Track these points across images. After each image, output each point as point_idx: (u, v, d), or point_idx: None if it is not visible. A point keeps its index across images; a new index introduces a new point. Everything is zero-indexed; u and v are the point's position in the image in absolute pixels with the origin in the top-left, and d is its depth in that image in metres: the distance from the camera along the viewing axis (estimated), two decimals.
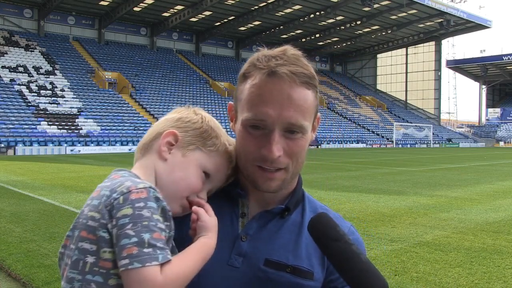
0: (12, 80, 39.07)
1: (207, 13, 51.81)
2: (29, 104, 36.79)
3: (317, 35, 61.81)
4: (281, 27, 57.14)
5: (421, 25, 61.28)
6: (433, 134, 64.47)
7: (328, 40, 65.65)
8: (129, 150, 34.40)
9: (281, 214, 1.08)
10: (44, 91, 39.11)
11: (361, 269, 0.84)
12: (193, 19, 53.43)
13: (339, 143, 51.77)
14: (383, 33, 62.25)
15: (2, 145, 30.35)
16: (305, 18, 53.62)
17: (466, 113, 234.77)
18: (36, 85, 39.58)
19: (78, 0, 46.44)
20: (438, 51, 72.44)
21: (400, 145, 57.51)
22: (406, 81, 76.29)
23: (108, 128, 37.63)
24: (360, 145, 53.07)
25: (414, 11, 55.03)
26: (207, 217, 0.99)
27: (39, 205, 9.44)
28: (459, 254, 5.94)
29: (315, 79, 1.00)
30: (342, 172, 17.97)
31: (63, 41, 49.61)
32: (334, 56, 77.00)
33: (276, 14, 52.60)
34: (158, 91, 48.16)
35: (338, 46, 68.49)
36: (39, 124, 34.63)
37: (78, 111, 38.48)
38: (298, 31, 59.99)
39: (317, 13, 51.96)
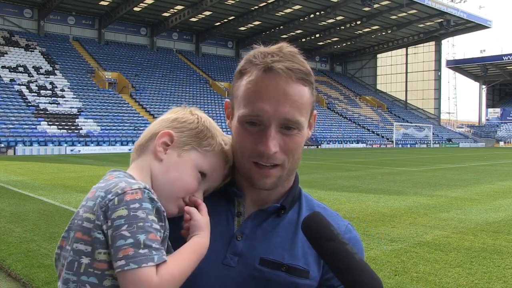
0: (12, 80, 39.07)
1: (207, 13, 51.82)
2: (29, 104, 36.79)
3: (317, 35, 61.82)
4: (281, 27, 57.15)
5: (421, 25, 61.29)
6: (433, 134, 64.48)
7: (328, 40, 65.65)
8: (129, 150, 34.36)
9: (277, 213, 1.08)
10: (44, 91, 39.11)
11: (355, 268, 0.84)
12: (193, 19, 53.44)
13: (339, 143, 51.77)
14: (383, 33, 62.26)
15: (2, 145, 30.35)
16: (305, 18, 53.63)
17: (466, 113, 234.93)
18: (36, 85, 39.58)
19: (78, 0, 46.45)
20: (438, 51, 72.44)
21: (400, 145, 57.51)
22: (406, 81, 76.29)
23: (108, 128, 37.64)
24: (360, 145, 53.06)
25: (414, 11, 55.03)
26: (200, 216, 0.99)
27: (39, 205, 9.44)
28: (459, 254, 5.94)
29: (311, 75, 1.00)
30: (342, 172, 17.97)
31: (63, 41, 49.61)
32: (334, 56, 77.00)
33: (276, 14, 52.60)
34: (158, 91, 48.17)
35: (338, 46, 68.50)
36: (39, 124, 34.63)
37: (78, 111, 38.49)
38: (298, 31, 60.00)
39: (317, 13, 51.97)
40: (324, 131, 52.88)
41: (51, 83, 40.89)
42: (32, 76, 40.90)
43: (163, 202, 0.95)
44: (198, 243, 0.96)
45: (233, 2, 48.25)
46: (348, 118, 60.94)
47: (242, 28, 58.76)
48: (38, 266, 5.21)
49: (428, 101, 74.74)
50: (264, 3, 49.02)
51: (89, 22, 52.60)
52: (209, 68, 59.28)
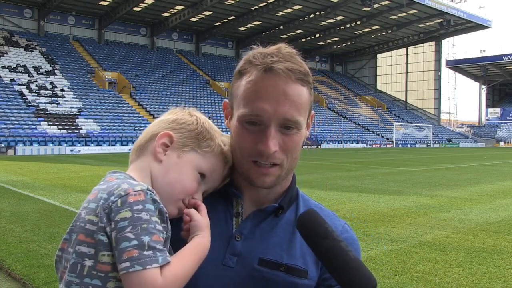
0: (12, 80, 39.07)
1: (207, 13, 51.82)
2: (29, 104, 36.79)
3: (317, 35, 61.82)
4: (281, 27, 57.15)
5: (421, 25, 61.29)
6: (433, 134, 64.48)
7: (328, 40, 65.66)
8: (129, 150, 33.25)
9: (275, 212, 1.08)
10: (44, 91, 39.12)
11: (349, 265, 0.84)
12: (193, 19, 53.44)
13: (339, 143, 51.77)
14: (383, 33, 62.27)
15: (2, 145, 30.35)
16: (305, 18, 53.63)
17: (466, 113, 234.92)
18: (36, 85, 39.59)
19: (78, 0, 46.45)
20: (438, 51, 72.45)
21: (400, 145, 57.52)
22: (406, 81, 76.30)
23: (108, 128, 37.64)
24: (360, 145, 53.07)
25: (414, 11, 55.04)
26: (200, 217, 1.00)
27: (39, 205, 9.44)
28: (459, 254, 5.94)
29: (309, 76, 1.01)
30: (342, 172, 17.97)
31: (63, 41, 49.62)
32: (334, 56, 77.01)
33: (276, 14, 52.61)
34: (158, 91, 48.17)
35: (338, 46, 68.50)
36: (39, 124, 34.63)
37: (78, 111, 38.49)
38: (298, 31, 60.00)
39: (317, 13, 51.97)
40: (324, 131, 52.88)
41: (51, 83, 40.89)
42: (32, 76, 40.91)
43: (163, 203, 0.95)
44: (200, 244, 0.96)
45: (233, 2, 48.25)
46: (348, 118, 60.94)
47: (242, 28, 58.76)
48: (38, 266, 5.21)
49: (428, 101, 74.74)
50: (264, 3, 49.02)
51: (89, 22, 52.61)
52: (209, 68, 59.29)
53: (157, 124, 1.09)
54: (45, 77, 41.57)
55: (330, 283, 1.04)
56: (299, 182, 1.16)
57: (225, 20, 55.00)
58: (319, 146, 48.55)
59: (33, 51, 44.95)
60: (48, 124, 35.06)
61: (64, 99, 39.33)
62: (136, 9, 49.14)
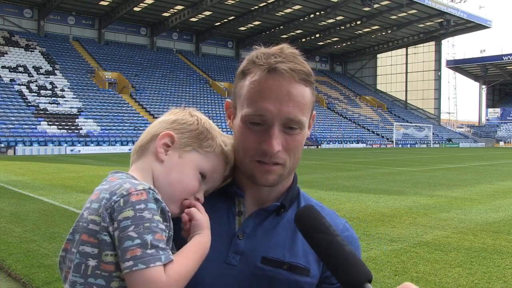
0: (12, 80, 39.08)
1: (207, 13, 51.82)
2: (29, 104, 36.80)
3: (317, 35, 61.82)
4: (281, 27, 57.15)
5: (421, 25, 61.30)
6: (433, 134, 64.48)
7: (328, 40, 65.66)
8: (129, 150, 34.29)
9: (277, 211, 1.09)
10: (44, 91, 39.12)
11: (345, 260, 0.85)
12: (193, 19, 53.44)
13: (339, 143, 51.77)
14: (383, 33, 62.27)
15: (2, 145, 30.35)
16: (305, 18, 53.63)
17: (466, 113, 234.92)
18: (36, 85, 39.59)
19: (78, 0, 46.45)
20: (438, 51, 72.45)
21: (400, 145, 57.51)
22: (406, 81, 76.30)
23: (108, 128, 37.64)
24: (360, 145, 53.07)
25: (414, 11, 55.04)
26: (201, 216, 1.01)
27: (39, 205, 9.44)
28: (459, 254, 5.94)
29: (312, 76, 1.02)
30: (342, 172, 17.97)
31: (63, 41, 49.62)
32: (334, 56, 77.01)
33: (276, 14, 52.61)
34: (158, 91, 48.17)
35: (338, 46, 68.50)
36: (39, 124, 34.63)
37: (78, 111, 38.49)
38: (298, 31, 60.00)
39: (317, 13, 51.97)
40: (324, 131, 52.88)
41: (51, 83, 40.90)
42: (32, 76, 40.91)
43: (165, 202, 0.95)
44: (201, 242, 0.97)
45: (233, 2, 48.25)
46: (348, 118, 60.94)
47: (242, 28, 58.76)
48: (38, 266, 5.21)
49: (428, 101, 74.75)
50: (264, 3, 49.02)
51: (89, 22, 52.61)
52: (209, 68, 59.29)
53: (158, 124, 1.09)
54: (45, 77, 41.57)
55: (331, 281, 1.05)
56: (299, 182, 1.17)
57: (225, 20, 55.00)
58: (319, 146, 48.55)
59: (33, 51, 44.95)
60: (48, 124, 35.07)
61: (64, 99, 39.33)
62: (136, 9, 49.14)
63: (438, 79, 73.26)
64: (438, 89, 73.78)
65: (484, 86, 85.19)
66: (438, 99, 74.40)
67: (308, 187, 12.15)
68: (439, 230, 7.42)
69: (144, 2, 46.83)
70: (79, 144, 33.91)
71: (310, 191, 11.36)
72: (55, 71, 43.31)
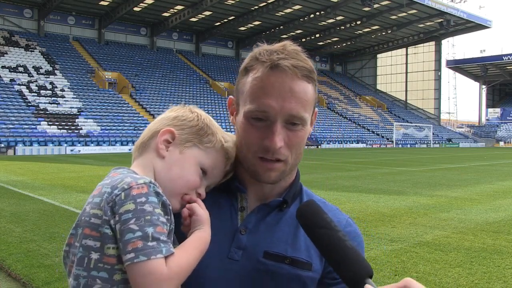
0: (12, 80, 39.07)
1: (207, 13, 51.82)
2: (29, 104, 36.79)
3: (317, 35, 61.82)
4: (281, 27, 57.16)
5: (421, 25, 61.29)
6: (433, 134, 64.48)
7: (328, 40, 65.66)
8: (129, 150, 34.39)
9: (279, 207, 1.10)
10: (44, 91, 39.12)
11: (346, 255, 0.86)
12: (193, 19, 53.44)
13: (339, 143, 51.77)
14: (383, 33, 62.27)
15: (2, 145, 30.35)
16: (305, 18, 53.64)
17: (466, 113, 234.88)
18: (36, 85, 39.59)
19: (78, 0, 46.45)
20: (438, 51, 72.45)
21: (400, 145, 57.51)
22: (406, 81, 76.30)
23: (108, 128, 37.64)
24: (360, 145, 53.07)
25: (414, 11, 55.04)
26: (202, 211, 1.02)
27: (39, 205, 9.44)
28: (459, 254, 5.94)
29: (314, 73, 1.02)
30: (342, 172, 17.97)
31: (63, 41, 49.62)
32: (334, 56, 77.01)
33: (276, 14, 52.61)
34: (158, 91, 48.17)
35: (338, 46, 68.50)
36: (39, 124, 34.63)
37: (78, 111, 38.49)
38: (298, 31, 60.00)
39: (317, 13, 51.97)
40: (324, 131, 52.88)
41: (51, 83, 40.89)
42: (32, 76, 40.90)
43: (166, 197, 0.97)
44: (201, 237, 0.98)
45: (233, 2, 48.25)
46: (348, 118, 60.94)
47: (242, 28, 58.76)
48: (38, 266, 5.21)
49: (428, 101, 74.74)
50: (264, 3, 49.02)
51: (89, 22, 52.61)
52: (209, 68, 59.29)
53: (159, 121, 1.11)
54: (45, 77, 41.57)
55: (334, 276, 1.06)
56: (299, 181, 1.17)
57: (225, 20, 55.00)
58: (319, 146, 48.55)
59: (33, 51, 44.95)
60: (48, 124, 35.06)
61: (64, 99, 39.33)
62: (136, 9, 49.14)
63: (438, 79, 73.26)
64: (438, 89, 73.77)
65: (484, 86, 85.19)
66: (438, 99, 74.40)
67: (308, 187, 11.96)
68: (439, 230, 7.42)
69: (144, 2, 46.82)
70: (79, 144, 33.91)
71: None
72: (55, 71, 43.31)
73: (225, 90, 53.42)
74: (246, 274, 1.02)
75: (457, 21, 59.29)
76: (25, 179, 14.41)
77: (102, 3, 47.81)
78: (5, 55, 42.21)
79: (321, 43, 67.49)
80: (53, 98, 38.65)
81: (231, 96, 1.12)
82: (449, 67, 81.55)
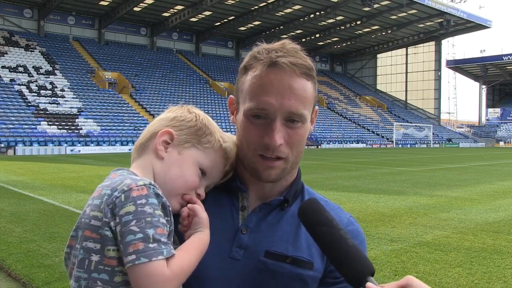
0: (12, 80, 39.07)
1: (207, 13, 51.82)
2: (29, 104, 36.79)
3: (317, 35, 61.82)
4: (281, 27, 57.16)
5: (421, 25, 61.28)
6: (433, 134, 64.47)
7: (328, 40, 65.65)
8: (129, 150, 34.32)
9: (280, 206, 1.10)
10: (44, 91, 39.11)
11: (347, 253, 0.86)
12: (193, 19, 53.44)
13: (339, 143, 51.77)
14: (383, 33, 62.26)
15: (2, 145, 30.35)
16: (305, 18, 53.63)
17: (466, 113, 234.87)
18: (36, 85, 39.58)
19: (78, 0, 46.44)
20: (438, 51, 72.43)
21: (400, 145, 57.51)
22: (406, 81, 76.29)
23: (108, 128, 37.64)
24: (360, 145, 53.06)
25: (414, 11, 55.03)
26: (204, 213, 1.02)
27: (39, 205, 9.44)
28: (459, 254, 5.94)
29: (313, 70, 1.03)
30: (342, 172, 17.97)
31: (63, 41, 49.61)
32: (334, 56, 77.00)
33: (276, 14, 52.60)
34: (158, 91, 48.17)
35: (338, 46, 68.49)
36: (39, 124, 34.63)
37: (78, 111, 38.49)
38: (298, 31, 59.99)
39: (317, 13, 51.97)
40: (324, 131, 52.87)
41: (51, 83, 40.89)
42: (32, 76, 40.90)
43: (166, 198, 0.97)
44: (201, 240, 0.99)
45: (233, 2, 48.25)
46: (348, 118, 60.94)
47: (242, 28, 58.76)
48: (38, 266, 5.21)
49: (428, 101, 74.73)
50: (264, 3, 49.01)
51: (89, 22, 52.60)
52: (209, 68, 59.28)
53: (157, 122, 1.11)
54: (45, 77, 41.56)
55: (335, 275, 1.06)
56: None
57: (225, 20, 54.99)
58: (319, 146, 48.54)
59: (33, 51, 44.94)
60: (48, 124, 35.06)
61: (64, 99, 39.33)
62: (136, 9, 49.13)
63: (438, 79, 73.25)
64: (438, 89, 73.76)
65: (484, 86, 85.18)
66: (438, 99, 74.39)
67: (308, 186, 12.12)
68: (439, 230, 7.42)
69: (144, 2, 46.82)
70: (79, 144, 33.90)
71: None
72: (55, 71, 43.30)
73: (225, 90, 53.41)
74: (247, 274, 1.02)
75: (457, 21, 59.29)
76: (25, 179, 14.41)
77: (102, 3, 47.81)
78: (5, 55, 42.21)
79: (321, 43, 67.47)
80: (53, 98, 38.64)
81: (231, 96, 1.12)
82: (449, 67, 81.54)
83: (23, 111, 35.59)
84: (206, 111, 1.14)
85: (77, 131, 35.74)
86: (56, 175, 15.71)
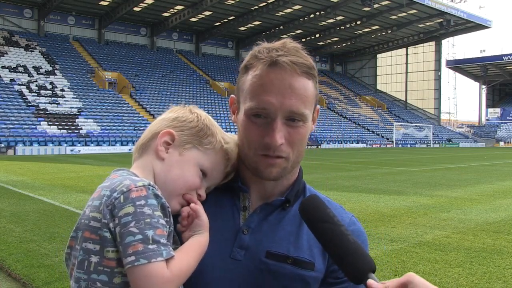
0: (12, 80, 39.06)
1: (207, 13, 51.82)
2: (29, 104, 36.79)
3: (317, 35, 61.82)
4: (281, 27, 57.16)
5: (421, 25, 61.28)
6: (433, 134, 64.47)
7: (328, 40, 65.65)
8: (129, 150, 34.39)
9: (282, 206, 1.10)
10: (44, 91, 39.11)
11: (348, 249, 0.86)
12: (193, 19, 53.43)
13: (339, 143, 51.77)
14: (383, 33, 62.25)
15: (2, 145, 30.34)
16: (305, 18, 53.63)
17: (466, 113, 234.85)
18: (36, 85, 39.58)
19: (78, 0, 46.44)
20: (438, 51, 72.43)
21: (400, 145, 57.51)
22: (406, 81, 76.29)
23: (108, 128, 37.63)
24: (360, 145, 53.06)
25: (414, 11, 55.03)
26: (205, 216, 1.02)
27: (39, 205, 9.44)
28: (459, 254, 5.94)
29: (314, 69, 1.02)
30: (342, 172, 17.97)
31: (63, 41, 49.61)
32: (334, 56, 77.00)
33: (276, 14, 52.61)
34: (158, 91, 48.16)
35: (338, 46, 68.49)
36: (39, 124, 34.63)
37: (78, 111, 38.48)
38: (298, 31, 59.99)
39: (317, 13, 51.97)
40: (324, 131, 52.87)
41: (51, 83, 40.89)
42: (32, 76, 40.90)
43: (166, 199, 0.97)
44: (201, 242, 0.99)
45: (233, 2, 48.25)
46: (348, 118, 60.94)
47: (242, 28, 58.76)
48: (38, 266, 5.21)
49: (428, 101, 74.73)
50: (264, 3, 49.01)
51: (89, 22, 52.60)
52: (209, 68, 59.28)
53: (159, 122, 1.10)
54: (45, 77, 41.56)
55: (337, 275, 1.06)
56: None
57: (225, 20, 54.99)
58: (319, 146, 48.54)
59: (33, 51, 44.94)
60: (48, 124, 35.06)
61: (64, 99, 39.33)
62: (136, 9, 49.13)
63: (438, 79, 73.25)
64: (438, 89, 73.76)
65: (484, 86, 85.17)
66: (438, 99, 74.39)
67: None
68: (439, 230, 7.42)
69: (144, 2, 46.82)
70: (79, 144, 33.90)
71: None
72: (55, 71, 43.30)
73: (225, 90, 53.41)
74: (248, 274, 1.02)
75: (457, 21, 59.28)
76: (25, 179, 14.41)
77: (102, 3, 47.81)
78: (5, 55, 42.21)
79: (321, 43, 67.47)
80: (53, 98, 38.64)
81: (232, 95, 1.12)
82: (449, 67, 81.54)
83: (23, 111, 35.59)
84: (206, 111, 1.14)
85: (77, 131, 35.74)
86: (56, 175, 15.70)
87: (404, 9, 52.92)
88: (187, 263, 0.92)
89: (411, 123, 66.09)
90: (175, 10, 50.52)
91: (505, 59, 71.78)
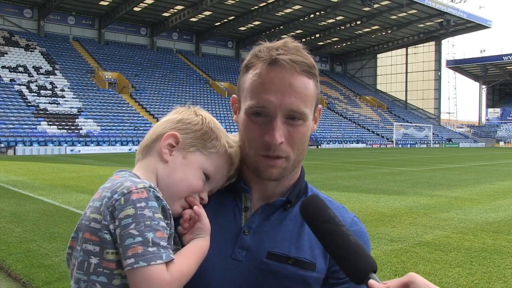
0: (12, 80, 39.06)
1: (207, 13, 51.82)
2: (29, 104, 36.79)
3: (317, 35, 61.82)
4: (281, 27, 57.16)
5: (421, 25, 61.29)
6: (433, 134, 64.47)
7: (328, 40, 65.65)
8: (129, 150, 34.42)
9: (283, 206, 1.09)
10: (44, 91, 39.11)
11: (350, 249, 0.86)
12: (193, 19, 53.43)
13: (339, 143, 51.77)
14: (383, 33, 62.26)
15: (2, 145, 30.34)
16: (305, 18, 53.63)
17: (466, 113, 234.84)
18: (36, 85, 39.58)
19: (78, 0, 46.44)
20: (438, 51, 72.43)
21: (400, 145, 57.50)
22: (406, 81, 76.29)
23: (108, 128, 37.63)
24: (360, 145, 53.06)
25: (414, 11, 55.04)
26: (207, 220, 1.02)
27: (39, 205, 9.44)
28: (459, 254, 5.94)
29: (315, 68, 1.02)
30: (342, 172, 17.97)
31: (63, 41, 49.60)
32: (334, 56, 77.00)
33: (276, 14, 52.60)
34: (158, 91, 48.17)
35: (338, 46, 68.49)
36: (39, 124, 34.63)
37: (78, 111, 38.48)
38: (298, 31, 59.97)
39: (317, 13, 51.97)
40: (324, 131, 52.87)
41: (51, 83, 40.89)
42: (32, 76, 40.89)
43: (168, 202, 0.97)
44: (202, 246, 0.98)
45: (233, 2, 48.25)
46: (348, 118, 60.94)
47: (242, 28, 58.76)
48: (38, 266, 5.21)
49: (428, 101, 74.73)
50: (264, 3, 49.01)
51: (89, 22, 52.60)
52: (209, 68, 59.28)
53: (163, 124, 1.10)
54: (45, 77, 41.56)
55: (339, 276, 1.05)
56: None
57: (225, 20, 54.98)
58: (319, 146, 48.54)
59: (33, 51, 44.94)
60: (48, 124, 35.06)
61: (64, 99, 39.33)
62: (136, 9, 49.13)
63: (438, 79, 73.25)
64: (438, 89, 73.76)
65: (484, 86, 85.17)
66: (438, 99, 74.39)
67: None
68: (439, 230, 7.42)
69: (144, 2, 46.82)
70: (79, 144, 33.90)
71: None
72: (55, 71, 43.30)
73: (225, 90, 53.40)
74: (249, 275, 1.02)
75: (457, 21, 59.29)
76: (25, 179, 14.41)
77: (102, 3, 47.81)
78: (5, 55, 42.20)
79: (321, 43, 67.46)
80: (53, 98, 38.64)
81: (234, 95, 1.12)
82: (449, 67, 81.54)
83: (23, 111, 35.59)
84: (206, 111, 1.14)
85: (77, 131, 35.74)
86: (56, 175, 15.70)
87: (404, 9, 52.92)
88: (187, 266, 0.92)
89: (411, 123, 66.09)
90: (175, 10, 50.52)
91: (505, 59, 71.77)
